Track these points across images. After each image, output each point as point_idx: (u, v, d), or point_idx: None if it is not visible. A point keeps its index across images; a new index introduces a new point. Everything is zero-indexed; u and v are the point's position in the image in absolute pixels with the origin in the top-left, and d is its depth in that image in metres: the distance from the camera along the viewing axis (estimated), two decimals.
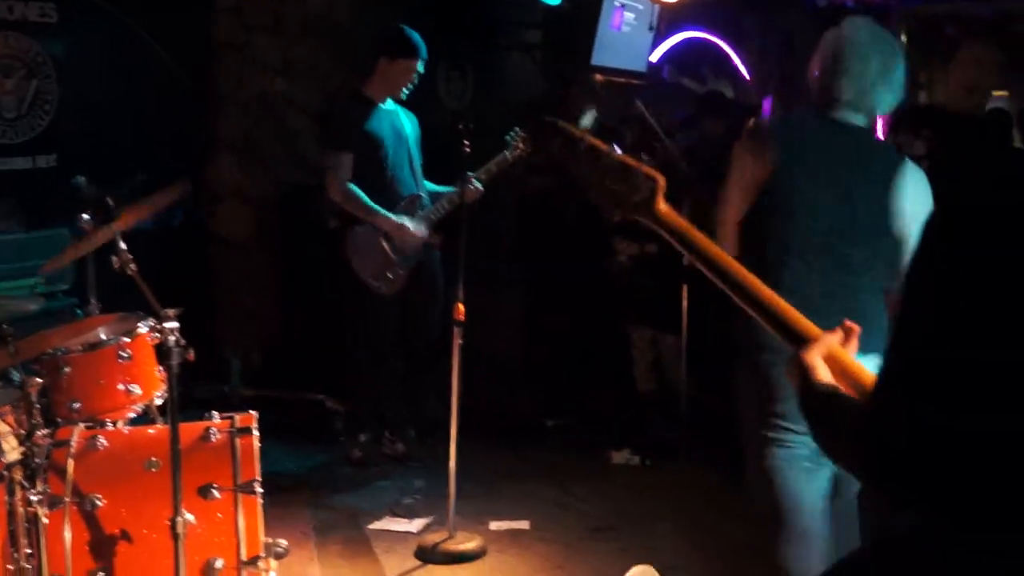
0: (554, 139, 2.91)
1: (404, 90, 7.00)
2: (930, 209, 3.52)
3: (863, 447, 2.13)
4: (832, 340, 2.54)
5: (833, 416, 2.37)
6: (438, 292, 7.13)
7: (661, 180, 2.74)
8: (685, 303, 6.93)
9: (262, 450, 4.76)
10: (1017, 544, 1.98)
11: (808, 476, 4.28)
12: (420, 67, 6.92)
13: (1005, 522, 1.99)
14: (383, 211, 6.82)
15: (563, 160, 2.91)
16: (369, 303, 6.93)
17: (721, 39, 10.90)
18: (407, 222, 6.86)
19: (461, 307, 5.91)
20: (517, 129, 6.86)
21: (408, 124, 7.14)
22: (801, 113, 5.28)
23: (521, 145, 6.80)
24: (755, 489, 4.48)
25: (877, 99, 4.43)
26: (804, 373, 2.46)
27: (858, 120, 4.41)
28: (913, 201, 4.27)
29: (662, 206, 2.73)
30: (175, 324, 4.32)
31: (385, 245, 6.78)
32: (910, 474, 2.03)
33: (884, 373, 2.10)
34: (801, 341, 2.53)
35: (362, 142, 6.83)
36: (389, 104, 7.05)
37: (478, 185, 6.72)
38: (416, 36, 6.90)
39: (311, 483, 7.01)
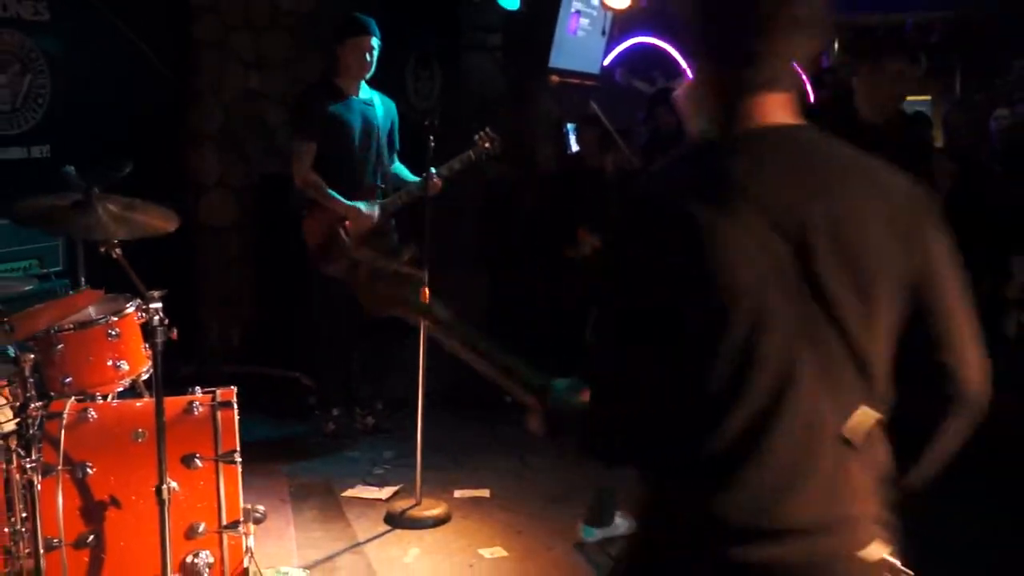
0: (336, 262, 3.09)
1: (369, 71, 6.98)
2: None
3: (585, 429, 2.47)
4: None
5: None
6: None
7: (424, 276, 2.89)
8: None
9: (242, 423, 4.78)
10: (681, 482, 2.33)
11: None
12: (373, 43, 6.89)
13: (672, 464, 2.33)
14: (338, 196, 6.83)
15: (342, 275, 3.10)
16: (333, 286, 6.93)
17: (670, 44, 10.92)
18: (362, 207, 6.87)
19: (426, 291, 5.91)
20: (485, 130, 6.87)
21: (382, 112, 7.12)
22: None
23: (487, 144, 6.81)
24: None
25: None
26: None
27: None
28: None
29: (416, 302, 2.87)
30: (159, 305, 4.34)
31: (340, 231, 6.78)
32: (612, 441, 2.40)
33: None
34: (540, 389, 2.68)
35: (327, 131, 6.82)
36: (364, 93, 7.03)
37: (438, 181, 6.74)
38: (364, 16, 6.91)
39: (287, 454, 7.03)
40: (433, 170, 6.54)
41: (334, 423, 7.35)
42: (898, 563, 2.31)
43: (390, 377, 7.50)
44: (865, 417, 2.27)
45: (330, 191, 6.81)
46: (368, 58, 6.91)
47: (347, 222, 6.84)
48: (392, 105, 7.24)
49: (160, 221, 4.76)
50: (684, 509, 2.30)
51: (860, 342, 2.25)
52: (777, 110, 2.34)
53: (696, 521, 2.27)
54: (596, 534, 5.63)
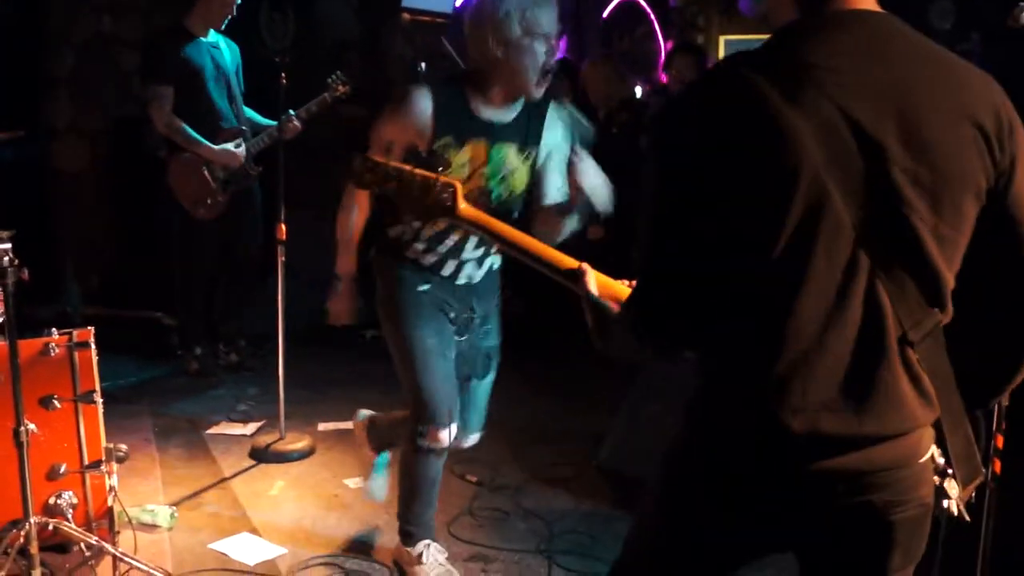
0: (365, 172, 3.09)
1: (224, 20, 6.95)
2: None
3: (633, 315, 2.36)
4: (590, 270, 2.86)
5: (615, 313, 2.60)
6: (257, 216, 7.11)
7: (458, 185, 2.99)
8: None
9: (104, 365, 4.74)
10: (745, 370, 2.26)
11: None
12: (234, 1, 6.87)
13: (732, 353, 2.28)
14: (204, 141, 6.76)
15: (374, 184, 3.11)
16: (194, 227, 6.89)
17: None
18: (230, 148, 6.83)
19: (283, 227, 5.89)
20: (337, 73, 6.84)
21: (228, 55, 7.06)
22: None
23: (340, 87, 6.79)
24: None
25: None
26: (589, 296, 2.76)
27: None
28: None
29: (462, 206, 2.97)
30: (7, 245, 4.25)
31: (206, 173, 6.74)
32: (667, 324, 2.30)
33: (636, 261, 2.33)
34: (572, 275, 2.86)
35: (182, 74, 6.74)
36: (211, 36, 6.96)
37: (297, 123, 6.74)
38: None
39: (150, 394, 6.98)
40: (292, 112, 6.50)
41: (196, 362, 7.30)
42: (941, 459, 2.31)
43: (251, 315, 7.46)
44: (928, 320, 2.21)
45: (196, 135, 6.75)
46: (232, 10, 6.90)
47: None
48: (236, 49, 7.20)
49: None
50: (745, 411, 2.25)
51: (927, 248, 2.17)
52: None
53: (758, 424, 2.22)
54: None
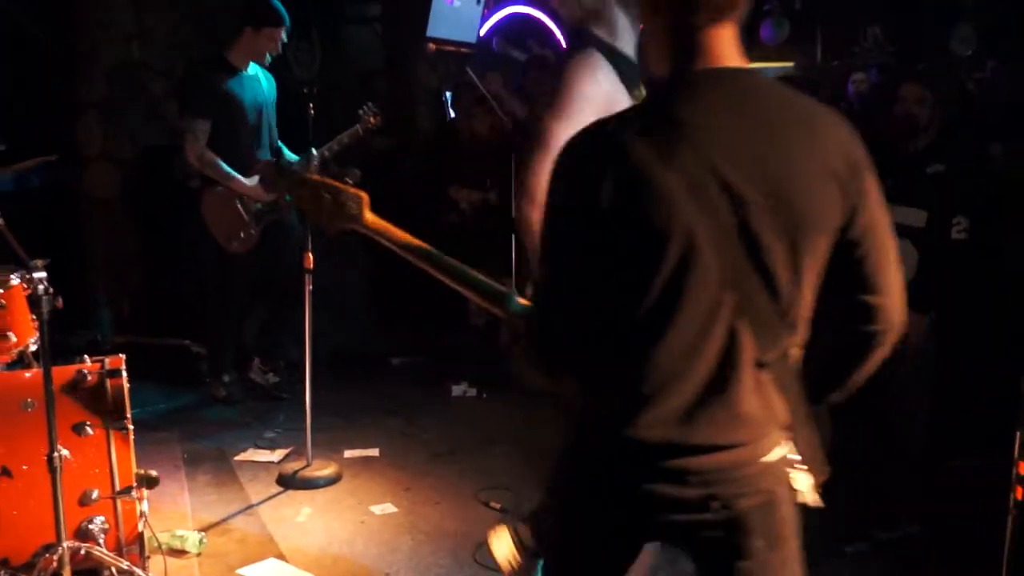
0: (280, 179, 3.22)
1: (268, 57, 6.89)
2: None
3: (526, 342, 2.58)
4: (515, 293, 2.92)
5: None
6: (292, 245, 7.06)
7: (365, 197, 3.04)
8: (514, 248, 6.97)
9: (134, 391, 4.74)
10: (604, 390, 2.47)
11: None
12: (284, 36, 6.82)
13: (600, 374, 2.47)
14: (237, 175, 6.72)
15: (285, 190, 3.24)
16: (226, 258, 6.86)
17: (543, 11, 10.96)
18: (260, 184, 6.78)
19: (310, 256, 5.90)
20: (368, 104, 6.84)
21: (267, 88, 7.03)
22: None
23: (372, 119, 6.79)
24: None
25: None
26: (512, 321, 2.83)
27: None
28: None
29: (368, 216, 3.03)
30: (43, 274, 4.29)
31: (239, 207, 6.70)
32: (553, 351, 2.50)
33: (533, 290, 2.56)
34: (500, 297, 2.89)
35: (220, 108, 6.68)
36: (251, 68, 6.92)
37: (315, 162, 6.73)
38: (280, 6, 6.75)
39: (180, 421, 6.97)
40: (314, 151, 6.53)
41: (224, 389, 7.29)
42: (796, 457, 2.50)
43: (283, 342, 7.47)
44: (780, 345, 2.41)
45: (230, 170, 6.71)
46: (278, 47, 6.84)
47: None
48: (274, 82, 7.15)
49: (29, 165, 4.69)
50: (606, 423, 2.44)
51: (784, 287, 2.34)
52: (726, 47, 2.37)
53: (621, 434, 2.39)
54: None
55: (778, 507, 2.48)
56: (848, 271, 2.46)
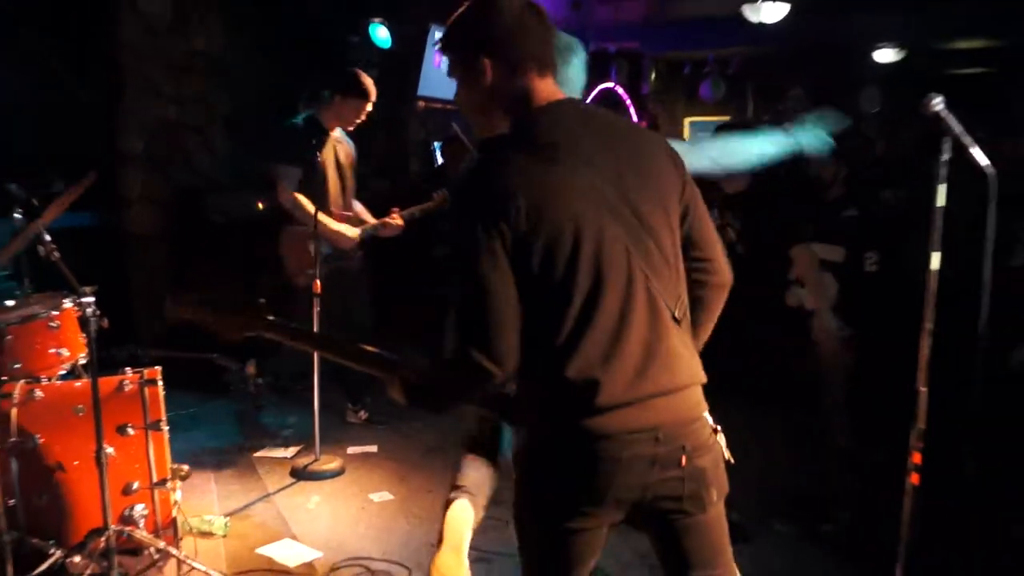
0: (184, 309, 3.07)
1: (353, 123, 6.69)
2: None
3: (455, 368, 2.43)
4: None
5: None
6: (359, 291, 6.90)
7: (263, 302, 2.87)
8: None
9: (168, 398, 4.77)
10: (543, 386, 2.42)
11: None
12: (369, 107, 6.62)
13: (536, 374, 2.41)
14: (327, 219, 6.43)
15: (194, 317, 3.08)
16: (291, 290, 6.63)
17: None
18: (345, 230, 6.56)
19: (318, 283, 5.88)
20: (444, 190, 6.74)
21: (350, 148, 6.83)
22: None
23: (440, 198, 6.69)
24: None
25: None
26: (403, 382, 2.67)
27: None
28: None
29: (271, 317, 2.84)
30: (91, 299, 4.33)
31: (311, 247, 6.49)
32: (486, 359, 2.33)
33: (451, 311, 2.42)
34: (389, 366, 2.70)
35: (310, 162, 6.44)
36: (338, 132, 6.71)
37: (400, 222, 6.72)
38: (369, 81, 6.58)
39: (208, 422, 7.00)
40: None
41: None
42: (711, 420, 2.53)
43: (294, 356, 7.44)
44: (681, 300, 2.48)
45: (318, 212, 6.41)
46: (361, 117, 6.65)
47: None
48: (354, 146, 6.92)
49: (77, 190, 4.72)
50: (573, 401, 2.35)
51: (667, 247, 2.44)
52: (550, 89, 2.51)
53: (587, 407, 2.33)
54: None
55: (720, 460, 2.52)
56: (686, 233, 2.56)
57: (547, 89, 2.50)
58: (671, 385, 2.39)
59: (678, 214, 2.51)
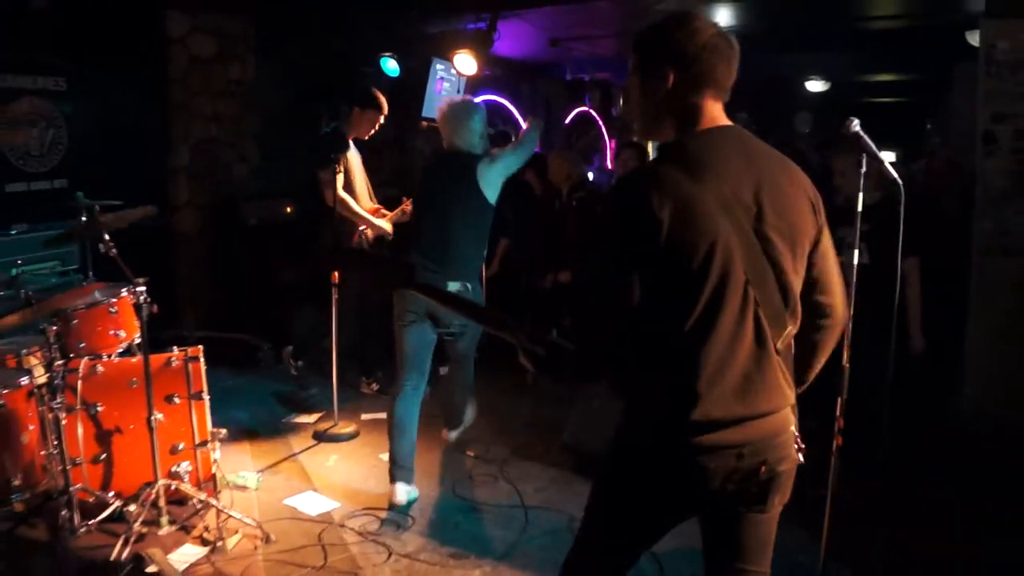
0: (342, 260, 2.97)
1: (369, 134, 6.72)
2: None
3: (589, 356, 2.30)
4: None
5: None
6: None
7: (413, 264, 2.80)
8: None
9: (209, 372, 4.80)
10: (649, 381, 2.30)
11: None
12: (382, 119, 6.66)
13: (642, 371, 2.31)
14: (363, 212, 6.52)
15: (352, 267, 2.97)
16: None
17: (506, 100, 11.02)
18: (381, 222, 6.56)
19: (336, 274, 5.89)
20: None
21: (360, 157, 6.80)
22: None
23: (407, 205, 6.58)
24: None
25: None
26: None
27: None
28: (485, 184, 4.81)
29: (418, 280, 2.77)
30: (143, 288, 4.35)
31: (360, 238, 6.51)
32: (612, 357, 2.31)
33: (587, 312, 2.32)
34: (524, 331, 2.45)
35: (344, 167, 6.40)
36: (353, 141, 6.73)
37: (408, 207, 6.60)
38: (383, 97, 6.63)
39: (243, 393, 6.98)
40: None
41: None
42: (795, 430, 2.42)
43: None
44: (787, 332, 2.34)
45: (357, 208, 6.48)
46: (375, 128, 6.70)
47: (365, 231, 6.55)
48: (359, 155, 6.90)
49: (139, 214, 4.73)
50: (674, 407, 2.24)
51: (788, 278, 2.30)
52: (718, 113, 2.37)
53: (685, 418, 2.22)
54: (454, 435, 5.68)
55: (794, 471, 2.41)
56: (812, 277, 2.41)
57: (716, 112, 2.37)
58: (762, 410, 2.28)
59: (806, 255, 2.36)
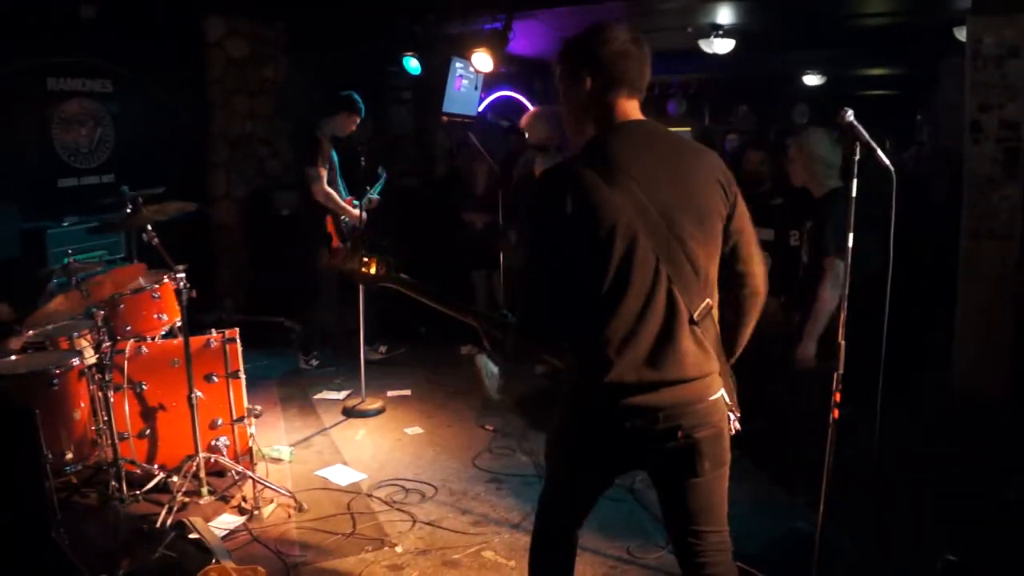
0: (339, 260, 2.97)
1: (347, 134, 6.85)
2: None
3: (522, 330, 2.47)
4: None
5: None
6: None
7: (391, 260, 2.85)
8: (501, 255, 6.98)
9: (246, 353, 4.81)
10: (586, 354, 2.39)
11: None
12: (358, 121, 6.80)
13: (581, 347, 2.40)
14: (344, 204, 6.69)
15: (339, 261, 3.01)
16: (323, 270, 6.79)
17: (521, 95, 10.98)
18: (355, 210, 6.61)
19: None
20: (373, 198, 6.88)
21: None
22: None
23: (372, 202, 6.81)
24: None
25: None
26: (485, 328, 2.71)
27: None
28: None
29: (393, 275, 2.84)
30: (183, 275, 4.37)
31: (334, 228, 6.69)
32: (543, 332, 2.44)
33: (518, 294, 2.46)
34: (484, 321, 2.72)
35: (328, 164, 6.64)
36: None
37: (375, 196, 6.83)
38: (360, 100, 6.76)
39: (276, 372, 6.98)
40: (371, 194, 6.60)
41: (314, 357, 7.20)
42: (728, 399, 2.50)
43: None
44: (705, 304, 2.39)
45: (341, 202, 6.68)
46: (353, 128, 6.85)
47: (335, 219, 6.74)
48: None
49: (178, 207, 4.74)
50: (592, 373, 2.35)
51: (699, 258, 2.37)
52: (632, 110, 2.45)
53: (600, 381, 2.33)
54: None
55: (722, 437, 2.45)
56: (730, 250, 2.51)
57: (630, 109, 2.45)
58: (675, 377, 2.34)
59: (719, 231, 2.44)
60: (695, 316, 2.36)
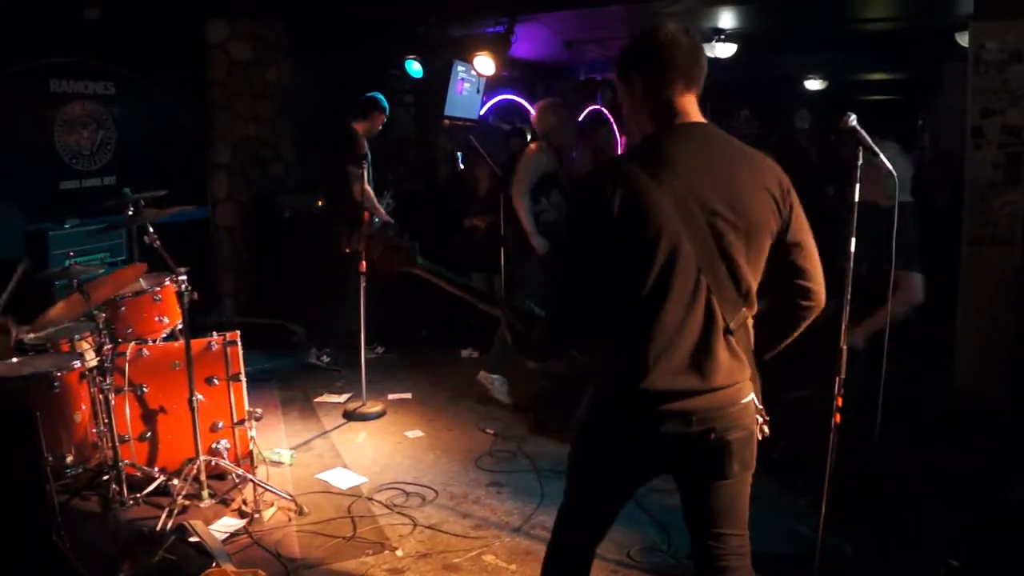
0: (362, 243, 2.96)
1: (376, 132, 7.05)
2: None
3: (554, 328, 2.43)
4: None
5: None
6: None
7: (416, 246, 2.77)
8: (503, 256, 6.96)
9: (246, 355, 4.80)
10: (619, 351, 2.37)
11: None
12: (384, 120, 7.04)
13: (611, 344, 2.39)
14: (377, 204, 6.95)
15: (369, 249, 2.99)
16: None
17: (522, 99, 10.97)
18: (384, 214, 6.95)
19: (364, 264, 5.88)
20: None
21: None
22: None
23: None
24: None
25: None
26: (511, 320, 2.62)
27: None
28: None
29: (420, 261, 2.74)
30: (185, 277, 4.37)
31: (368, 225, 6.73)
32: (577, 329, 2.40)
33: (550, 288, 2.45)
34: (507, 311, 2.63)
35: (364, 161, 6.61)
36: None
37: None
38: (386, 101, 7.05)
39: (277, 375, 6.97)
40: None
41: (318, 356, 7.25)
42: (758, 402, 2.47)
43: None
44: (741, 315, 2.37)
45: (375, 201, 6.95)
46: (380, 126, 7.10)
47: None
48: None
49: (174, 209, 4.76)
50: (627, 379, 2.33)
51: (741, 271, 2.33)
52: (691, 108, 2.40)
53: (635, 388, 2.31)
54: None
55: (752, 440, 2.45)
56: (789, 263, 2.45)
57: (689, 108, 2.40)
58: (710, 386, 2.32)
59: (766, 246, 2.39)
60: (731, 326, 2.34)
